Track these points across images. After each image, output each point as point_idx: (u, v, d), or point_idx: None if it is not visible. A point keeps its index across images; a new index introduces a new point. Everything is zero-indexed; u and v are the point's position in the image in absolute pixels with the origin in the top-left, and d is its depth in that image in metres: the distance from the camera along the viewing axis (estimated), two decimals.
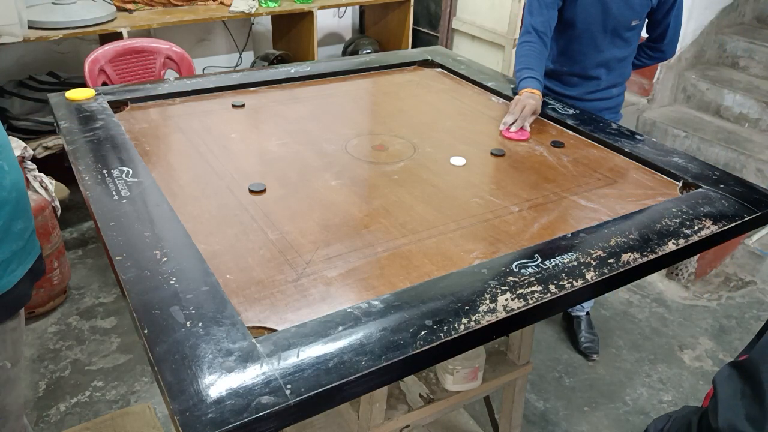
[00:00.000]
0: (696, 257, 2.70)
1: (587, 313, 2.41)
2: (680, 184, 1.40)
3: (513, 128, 1.62)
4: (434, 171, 1.42)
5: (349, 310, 0.91)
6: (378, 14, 4.07)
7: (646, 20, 1.94)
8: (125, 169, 1.27)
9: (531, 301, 0.97)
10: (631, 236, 1.15)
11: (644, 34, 2.01)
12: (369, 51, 3.88)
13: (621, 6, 1.82)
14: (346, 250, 1.10)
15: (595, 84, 1.99)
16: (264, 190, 1.28)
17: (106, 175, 1.25)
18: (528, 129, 1.64)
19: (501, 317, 0.94)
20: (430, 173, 1.40)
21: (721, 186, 1.36)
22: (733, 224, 1.24)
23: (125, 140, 1.40)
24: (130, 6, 3.06)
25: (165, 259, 1.00)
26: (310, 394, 0.78)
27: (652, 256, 1.11)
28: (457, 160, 1.46)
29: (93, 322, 2.37)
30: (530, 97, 1.67)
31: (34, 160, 2.43)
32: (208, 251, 1.06)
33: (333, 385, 0.79)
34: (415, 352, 0.85)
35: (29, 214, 1.23)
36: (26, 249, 1.21)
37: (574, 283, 1.02)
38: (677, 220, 1.21)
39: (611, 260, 1.08)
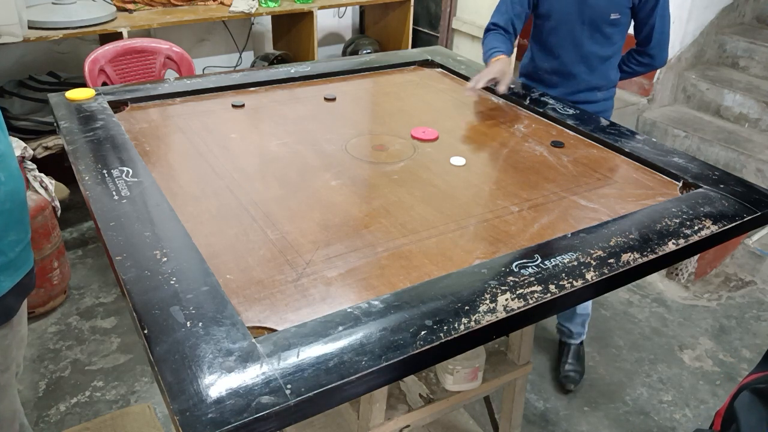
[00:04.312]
0: (696, 257, 2.70)
1: (581, 343, 2.26)
2: (680, 184, 1.40)
3: (477, 85, 1.75)
4: (434, 171, 1.42)
5: (349, 310, 0.91)
6: (378, 14, 4.07)
7: (632, 22, 1.92)
8: (125, 169, 1.27)
9: (531, 301, 0.97)
10: (631, 236, 1.15)
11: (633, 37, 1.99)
12: (369, 51, 3.87)
13: None
14: (346, 250, 1.10)
15: (575, 83, 1.96)
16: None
17: (106, 175, 1.25)
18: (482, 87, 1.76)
19: (501, 317, 0.94)
20: (430, 173, 1.40)
21: (721, 186, 1.36)
22: (733, 224, 1.24)
23: (125, 140, 1.40)
24: (130, 6, 3.06)
25: (165, 259, 1.00)
26: (310, 394, 0.77)
27: (652, 256, 1.11)
28: (457, 160, 1.46)
29: (93, 322, 2.37)
30: (496, 63, 1.79)
31: (34, 160, 2.43)
32: (208, 251, 1.06)
33: (333, 385, 0.79)
34: (415, 352, 0.85)
35: (26, 226, 1.19)
36: (16, 262, 1.17)
37: (574, 283, 1.02)
38: (677, 220, 1.21)
39: (611, 260, 1.08)
